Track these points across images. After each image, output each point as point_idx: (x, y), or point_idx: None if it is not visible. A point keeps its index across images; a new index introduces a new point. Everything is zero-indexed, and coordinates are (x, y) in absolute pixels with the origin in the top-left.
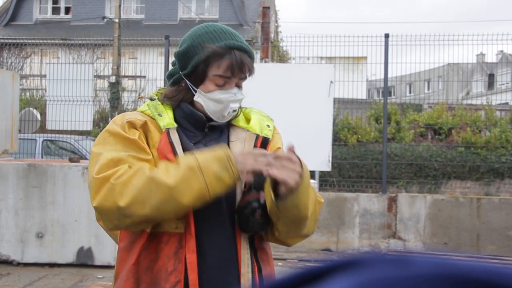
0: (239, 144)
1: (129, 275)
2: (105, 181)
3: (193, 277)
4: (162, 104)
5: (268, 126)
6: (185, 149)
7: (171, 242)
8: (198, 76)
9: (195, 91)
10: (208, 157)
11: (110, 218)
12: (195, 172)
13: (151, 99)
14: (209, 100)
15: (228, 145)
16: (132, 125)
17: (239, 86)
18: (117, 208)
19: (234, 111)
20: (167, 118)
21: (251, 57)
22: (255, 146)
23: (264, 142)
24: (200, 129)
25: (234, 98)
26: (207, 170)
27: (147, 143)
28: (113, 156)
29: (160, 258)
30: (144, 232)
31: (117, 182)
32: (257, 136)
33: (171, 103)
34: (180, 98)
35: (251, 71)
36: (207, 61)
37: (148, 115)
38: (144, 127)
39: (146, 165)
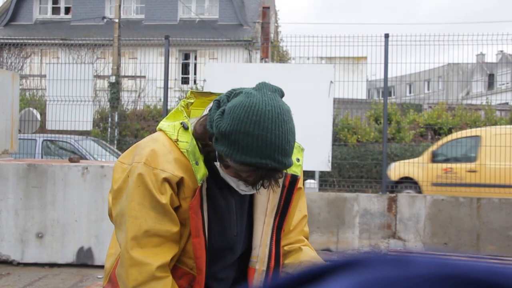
0: (265, 191)
1: None
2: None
3: None
4: (193, 136)
5: (298, 160)
6: (210, 197)
7: (183, 279)
8: (222, 157)
9: (219, 168)
10: None
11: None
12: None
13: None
14: (225, 175)
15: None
16: (168, 183)
17: (255, 188)
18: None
19: (245, 191)
20: (202, 168)
21: (282, 174)
22: (283, 184)
23: (292, 181)
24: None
25: (245, 191)
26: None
27: (178, 196)
28: (141, 224)
29: (178, 269)
30: None
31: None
32: (285, 174)
33: (199, 141)
34: (206, 151)
35: (277, 183)
36: (238, 163)
37: (184, 155)
38: (179, 183)
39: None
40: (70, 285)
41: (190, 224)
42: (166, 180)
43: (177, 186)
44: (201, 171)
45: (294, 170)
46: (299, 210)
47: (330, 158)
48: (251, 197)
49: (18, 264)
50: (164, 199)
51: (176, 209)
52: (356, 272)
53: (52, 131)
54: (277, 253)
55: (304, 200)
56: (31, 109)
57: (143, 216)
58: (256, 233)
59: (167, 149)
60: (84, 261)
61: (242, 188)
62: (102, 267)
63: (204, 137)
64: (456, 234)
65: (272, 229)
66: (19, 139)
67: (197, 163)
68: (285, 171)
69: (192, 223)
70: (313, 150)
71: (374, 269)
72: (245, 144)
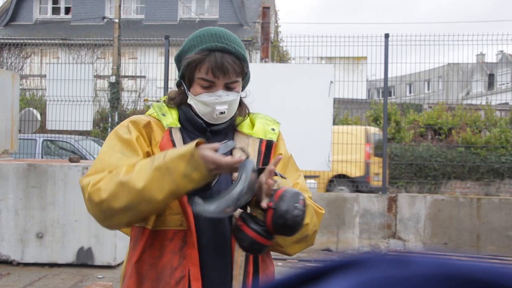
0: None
1: (133, 272)
2: (85, 190)
3: (194, 271)
4: (167, 106)
5: (273, 129)
6: None
7: (176, 239)
8: (188, 80)
9: (188, 94)
10: (174, 157)
11: (99, 218)
12: (163, 172)
13: (157, 101)
14: (198, 102)
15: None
16: (134, 124)
17: (229, 88)
18: (94, 204)
19: (222, 113)
20: (170, 118)
21: (239, 58)
22: (259, 150)
23: (268, 146)
24: (202, 134)
25: (219, 100)
26: (175, 170)
27: (150, 142)
28: (103, 159)
29: (164, 255)
30: (146, 230)
31: (92, 189)
32: (261, 140)
33: (173, 105)
34: (178, 101)
35: (236, 71)
36: (192, 65)
37: (154, 117)
38: (147, 127)
39: (123, 168)
40: (70, 285)
41: None
42: (132, 122)
43: (147, 132)
44: (168, 120)
45: (270, 137)
46: (287, 180)
47: (330, 158)
48: None
49: (18, 264)
50: (130, 136)
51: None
52: (356, 272)
53: (52, 131)
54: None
55: (296, 173)
56: (31, 109)
57: (108, 155)
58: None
59: (141, 115)
60: (84, 261)
61: (212, 99)
62: (102, 267)
63: (175, 96)
64: (456, 234)
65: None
66: (19, 139)
67: (163, 115)
68: (262, 137)
69: None
70: (313, 150)
71: (374, 269)
72: (194, 42)
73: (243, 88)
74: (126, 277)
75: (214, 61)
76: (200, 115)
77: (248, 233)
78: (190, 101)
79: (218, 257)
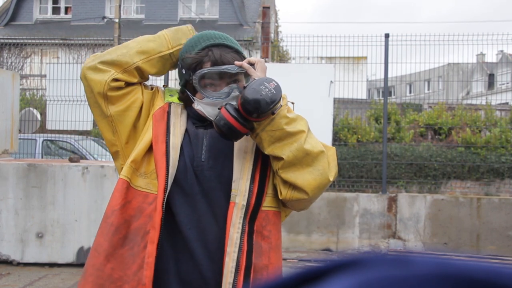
0: (245, 140)
1: (115, 219)
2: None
3: (153, 234)
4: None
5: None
6: (187, 129)
7: (154, 204)
8: (191, 86)
9: (194, 100)
10: (172, 29)
11: (94, 75)
12: (159, 34)
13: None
14: (206, 105)
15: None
16: (144, 85)
17: (235, 81)
18: (97, 58)
19: None
20: (175, 99)
21: (237, 51)
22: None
23: None
24: (202, 122)
25: (227, 98)
26: (167, 31)
27: (148, 108)
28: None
29: (141, 217)
30: (130, 188)
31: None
32: None
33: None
34: (183, 102)
35: (234, 69)
36: (192, 66)
37: (162, 91)
38: (153, 94)
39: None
40: (70, 285)
41: (152, 132)
42: (143, 84)
43: (152, 98)
44: (171, 98)
45: None
46: None
47: None
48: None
49: (18, 264)
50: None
51: (141, 110)
52: (356, 272)
53: (52, 131)
54: (260, 190)
55: None
56: (31, 109)
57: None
58: (235, 167)
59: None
60: (84, 261)
61: (220, 99)
62: None
63: (184, 97)
64: (456, 234)
65: (254, 167)
66: (19, 139)
67: (171, 95)
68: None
69: (154, 131)
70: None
71: (374, 269)
72: (190, 46)
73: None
74: (108, 218)
75: (213, 58)
76: (209, 117)
77: (226, 117)
78: (197, 106)
79: (209, 234)
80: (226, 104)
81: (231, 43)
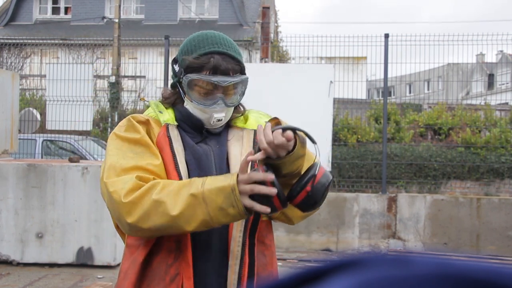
0: (237, 143)
1: (131, 269)
2: (114, 195)
3: (187, 269)
4: (162, 104)
5: (266, 122)
6: (187, 146)
7: (172, 237)
8: (186, 84)
9: (184, 99)
10: (213, 188)
11: (124, 229)
12: (200, 202)
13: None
14: (195, 108)
15: (227, 143)
16: (135, 119)
17: (227, 94)
18: (126, 224)
19: (219, 120)
20: (167, 115)
21: (238, 62)
22: (254, 140)
23: None
24: (199, 132)
25: (217, 108)
26: (211, 202)
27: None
28: (117, 160)
29: (160, 252)
30: None
31: (127, 200)
32: (255, 131)
33: (167, 105)
34: (173, 101)
35: (235, 74)
36: (190, 69)
37: (151, 117)
38: (147, 125)
39: (157, 183)
40: (70, 285)
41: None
42: (136, 122)
43: (147, 129)
44: (165, 116)
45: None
46: None
47: (330, 158)
48: (227, 157)
49: (18, 264)
50: (138, 134)
51: None
52: (356, 272)
53: (52, 131)
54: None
55: None
56: (31, 109)
57: (121, 155)
58: None
59: (137, 114)
60: (84, 261)
61: (215, 116)
62: (102, 267)
63: (170, 96)
64: (456, 234)
65: None
66: (19, 139)
67: (161, 112)
68: (253, 128)
69: (163, 159)
70: (313, 150)
71: (374, 269)
72: (193, 45)
73: (242, 93)
74: (122, 272)
75: (213, 66)
76: (199, 117)
77: (274, 201)
78: (186, 105)
79: (213, 249)
80: (273, 182)
81: (234, 52)
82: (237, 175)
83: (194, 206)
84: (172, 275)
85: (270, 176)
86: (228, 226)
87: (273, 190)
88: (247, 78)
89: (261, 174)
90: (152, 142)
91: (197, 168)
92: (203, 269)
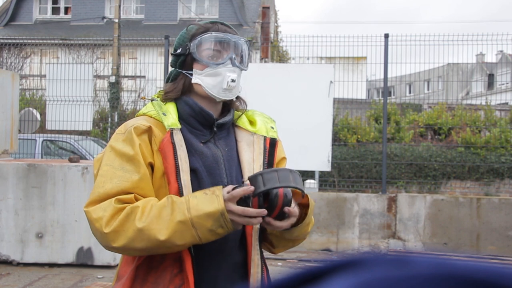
0: (248, 148)
1: (132, 273)
2: (96, 224)
3: (190, 280)
4: (165, 104)
5: (272, 127)
6: (193, 149)
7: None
8: (190, 59)
9: (191, 74)
10: (202, 215)
11: (112, 251)
12: (188, 226)
13: (152, 100)
14: (206, 76)
15: (236, 145)
16: (136, 130)
17: (234, 58)
18: (113, 248)
19: (233, 81)
20: (171, 118)
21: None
22: (264, 147)
23: (272, 143)
24: (208, 128)
25: (230, 67)
26: (201, 226)
27: (151, 148)
28: (105, 181)
29: (166, 260)
30: None
31: (109, 230)
32: (265, 138)
33: (173, 97)
34: (180, 88)
35: (239, 42)
36: (195, 39)
37: (153, 117)
38: (149, 132)
39: (135, 207)
40: (70, 285)
41: (164, 170)
42: (133, 130)
43: (148, 137)
44: (170, 120)
45: (271, 135)
46: None
47: (330, 158)
48: (238, 159)
49: (18, 264)
50: (132, 150)
51: (152, 169)
52: (356, 272)
53: (52, 131)
54: None
55: None
56: (31, 109)
57: (110, 174)
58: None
59: (138, 118)
60: (84, 261)
61: (228, 74)
62: (101, 267)
63: (175, 86)
64: (456, 234)
65: None
66: (19, 139)
67: (164, 114)
68: (265, 135)
69: (164, 168)
70: (313, 150)
71: (374, 269)
72: (194, 28)
73: (246, 64)
74: (123, 277)
75: (218, 29)
76: (209, 90)
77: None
78: (195, 80)
79: (227, 257)
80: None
81: (232, 30)
82: (222, 195)
83: (182, 232)
84: (177, 285)
85: (264, 211)
86: (245, 234)
87: (263, 212)
88: (249, 42)
89: (253, 210)
90: (152, 150)
91: (208, 177)
92: (215, 276)
